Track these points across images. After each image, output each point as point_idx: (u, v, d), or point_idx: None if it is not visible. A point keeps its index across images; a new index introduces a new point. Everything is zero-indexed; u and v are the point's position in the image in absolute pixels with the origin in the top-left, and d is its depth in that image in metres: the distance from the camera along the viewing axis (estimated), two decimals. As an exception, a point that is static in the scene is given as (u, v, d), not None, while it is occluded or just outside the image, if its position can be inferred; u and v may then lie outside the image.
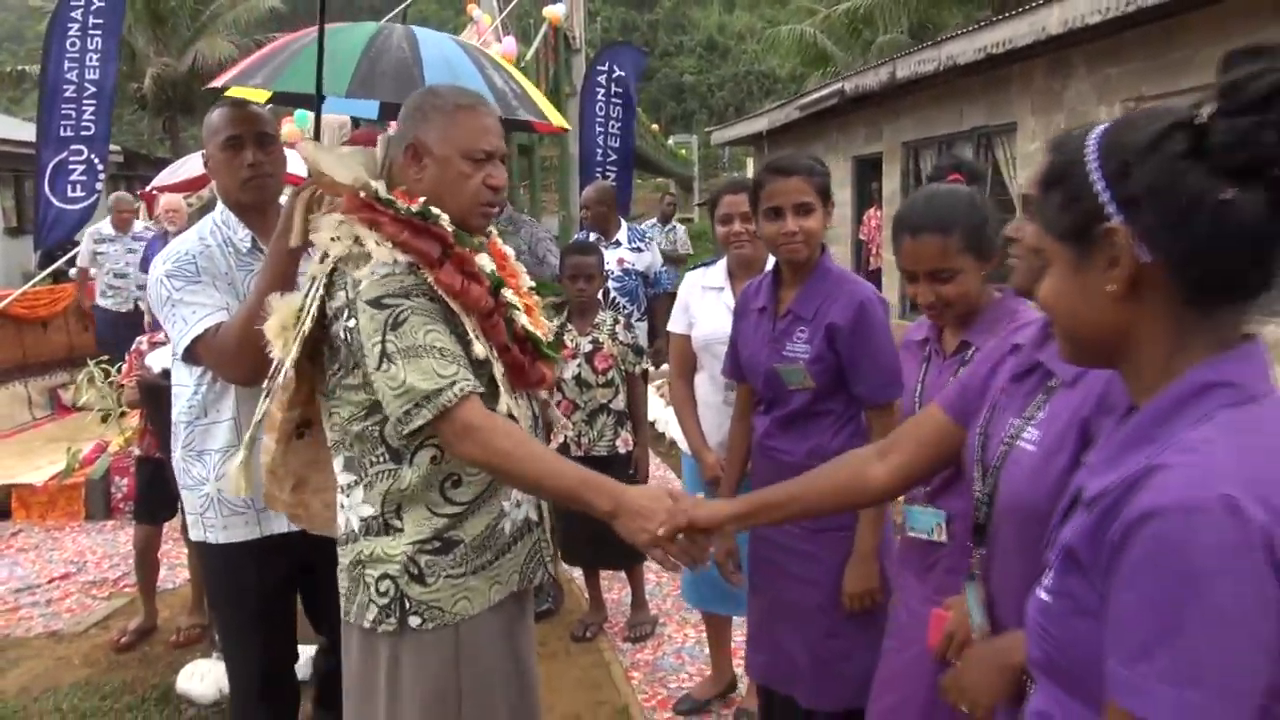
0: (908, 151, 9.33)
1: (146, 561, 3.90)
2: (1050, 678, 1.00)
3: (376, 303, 1.63)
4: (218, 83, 3.86)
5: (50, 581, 4.55)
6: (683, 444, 3.33)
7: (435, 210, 1.69)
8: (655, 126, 31.87)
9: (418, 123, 1.77)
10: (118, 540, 5.13)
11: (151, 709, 3.25)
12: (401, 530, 1.72)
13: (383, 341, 1.62)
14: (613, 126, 10.23)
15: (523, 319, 1.80)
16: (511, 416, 1.72)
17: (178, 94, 22.12)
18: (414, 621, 1.71)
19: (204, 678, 3.24)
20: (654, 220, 9.66)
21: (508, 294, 1.78)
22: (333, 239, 1.71)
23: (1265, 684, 0.82)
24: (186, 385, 2.26)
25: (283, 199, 2.31)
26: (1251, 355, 0.95)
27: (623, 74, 10.35)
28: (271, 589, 2.33)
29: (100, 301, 7.80)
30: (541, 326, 1.89)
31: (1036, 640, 1.02)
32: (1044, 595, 0.99)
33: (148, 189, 9.30)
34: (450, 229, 1.70)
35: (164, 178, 9.49)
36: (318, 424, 1.87)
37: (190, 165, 9.57)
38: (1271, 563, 0.81)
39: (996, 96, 7.59)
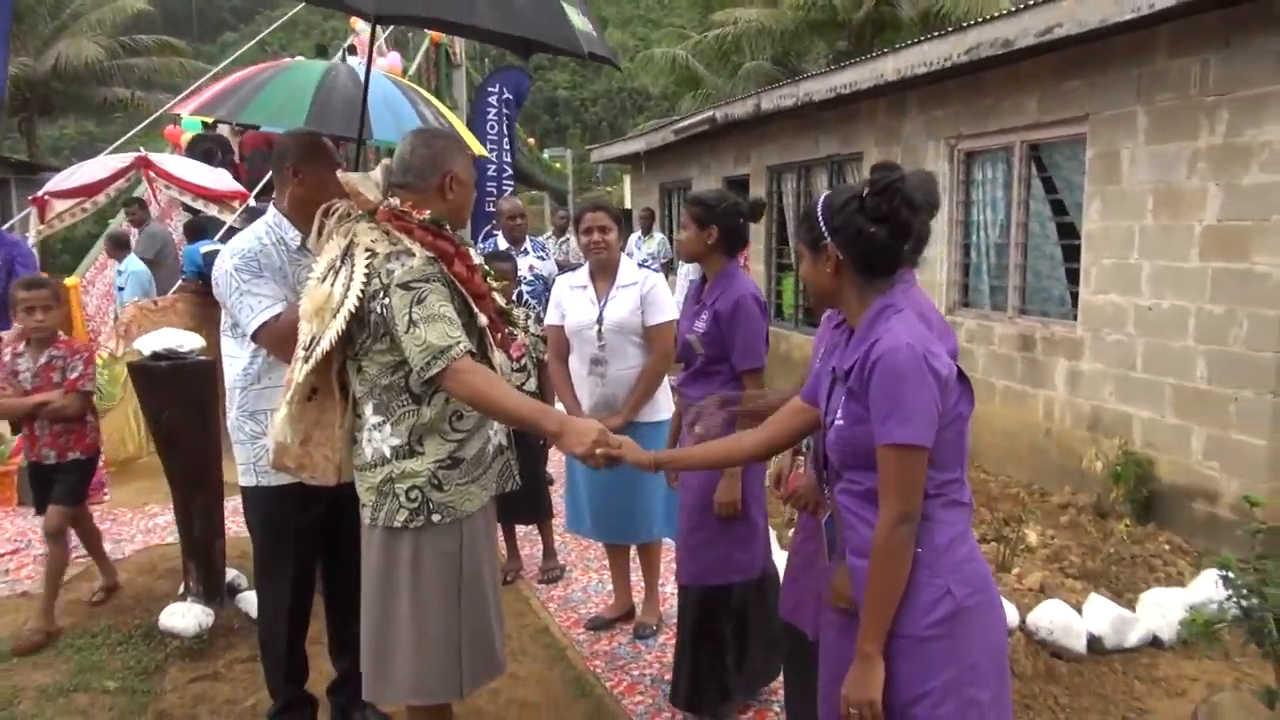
0: (772, 174, 10.38)
1: (87, 531, 4.25)
2: (848, 468, 1.90)
3: (405, 286, 2.22)
4: (181, 110, 4.42)
5: (1, 556, 4.90)
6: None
7: (441, 220, 2.34)
8: (530, 140, 32.36)
9: (447, 158, 2.39)
10: (54, 523, 5.46)
11: (139, 642, 3.75)
12: (423, 453, 2.33)
13: (410, 312, 2.20)
14: (503, 144, 10.94)
15: (499, 299, 2.49)
16: (494, 365, 2.41)
17: (36, 95, 21.30)
18: (435, 518, 2.33)
19: (184, 616, 3.73)
20: (549, 233, 10.37)
21: (491, 281, 2.48)
22: (373, 240, 2.30)
23: (937, 421, 1.77)
24: (239, 356, 2.72)
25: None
26: (901, 291, 1.92)
27: (510, 96, 11.07)
28: (306, 527, 2.83)
29: None
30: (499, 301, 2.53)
31: (836, 454, 1.91)
32: (839, 422, 1.89)
33: (40, 193, 9.27)
34: (454, 234, 2.37)
35: (57, 183, 9.49)
36: (323, 390, 2.37)
37: (84, 172, 9.58)
38: (929, 368, 1.77)
39: (847, 130, 8.68)
